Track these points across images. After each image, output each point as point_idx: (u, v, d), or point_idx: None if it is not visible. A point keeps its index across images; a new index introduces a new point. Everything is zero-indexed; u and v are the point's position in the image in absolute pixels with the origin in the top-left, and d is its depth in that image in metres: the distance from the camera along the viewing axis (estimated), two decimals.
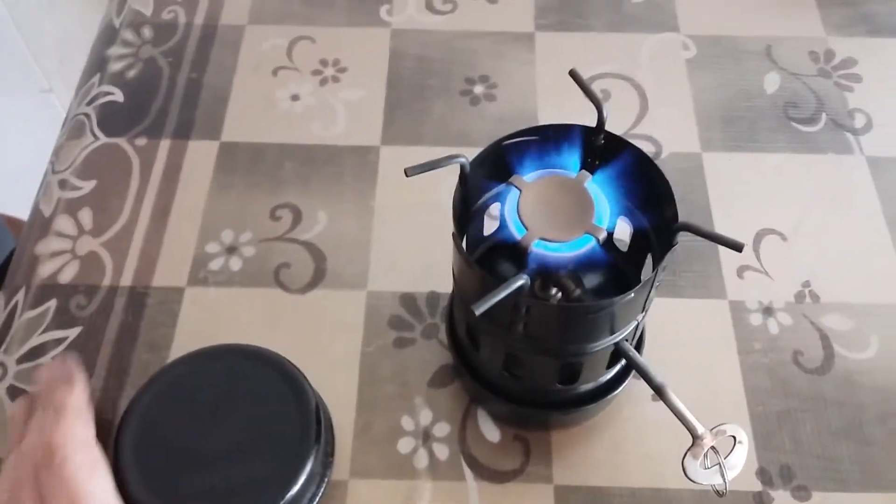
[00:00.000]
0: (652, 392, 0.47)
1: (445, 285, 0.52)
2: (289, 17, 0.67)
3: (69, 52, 1.05)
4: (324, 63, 0.64)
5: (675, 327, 0.51)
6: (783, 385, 0.49)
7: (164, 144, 0.59)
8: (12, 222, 0.95)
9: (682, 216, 0.54)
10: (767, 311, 0.52)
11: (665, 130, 0.60)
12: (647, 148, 0.59)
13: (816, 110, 0.61)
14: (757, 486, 0.46)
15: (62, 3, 1.02)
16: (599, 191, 0.39)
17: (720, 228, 0.55)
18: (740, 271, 0.53)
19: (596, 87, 0.62)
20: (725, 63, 0.64)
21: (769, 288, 0.53)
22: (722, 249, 0.54)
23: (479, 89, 0.62)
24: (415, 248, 0.54)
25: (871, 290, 0.53)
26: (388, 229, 0.55)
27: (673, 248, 0.38)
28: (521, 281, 0.35)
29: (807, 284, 0.53)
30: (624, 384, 0.46)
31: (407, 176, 0.38)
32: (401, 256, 0.54)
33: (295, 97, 0.62)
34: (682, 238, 0.54)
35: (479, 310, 0.34)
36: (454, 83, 0.63)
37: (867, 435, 0.47)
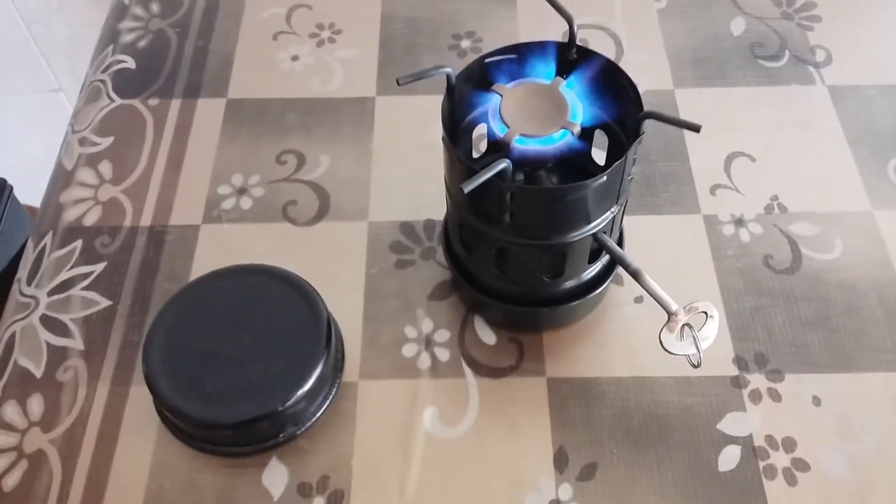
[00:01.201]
0: (634, 296, 0.52)
1: (440, 213, 0.56)
2: None
3: (77, 51, 1.10)
4: (320, 27, 0.69)
5: (653, 241, 0.55)
6: (755, 285, 0.53)
7: (175, 104, 0.64)
8: (32, 213, 0.99)
9: (658, 145, 0.59)
10: (739, 222, 0.56)
11: (640, 72, 0.64)
12: None
13: (780, 48, 0.66)
14: (734, 371, 0.50)
15: (69, 3, 1.07)
16: (573, 94, 0.44)
17: (693, 154, 0.59)
18: (713, 189, 0.58)
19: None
20: (694, 11, 0.69)
21: (740, 202, 0.57)
22: (696, 171, 0.58)
23: (465, 43, 0.67)
24: (411, 183, 0.59)
25: (835, 199, 0.57)
26: (385, 168, 0.60)
27: (640, 137, 0.42)
28: (504, 164, 0.39)
29: (775, 198, 0.57)
30: (606, 283, 0.50)
31: (399, 84, 0.42)
32: (398, 191, 0.58)
33: (295, 58, 0.67)
34: (661, 165, 0.59)
35: (468, 187, 0.38)
36: (442, 39, 0.68)
37: (834, 324, 0.51)
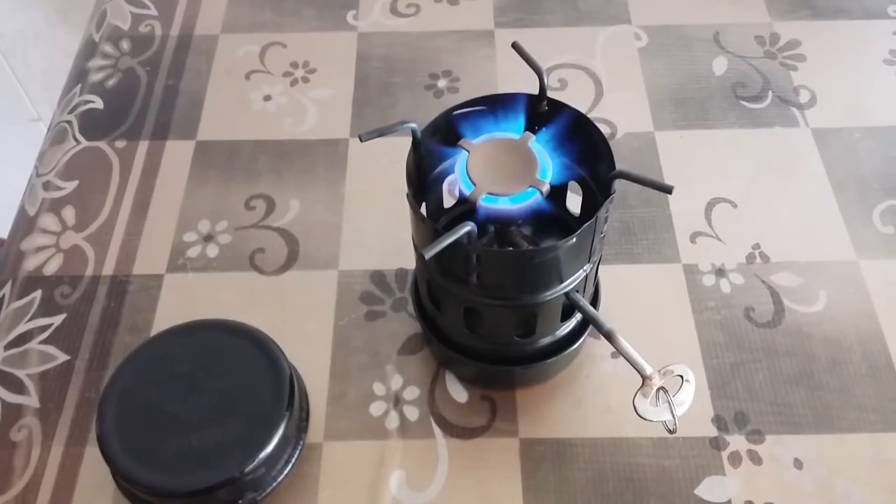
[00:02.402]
0: (610, 351, 0.50)
1: (412, 262, 0.54)
2: (260, 25, 0.70)
3: (55, 81, 1.09)
4: (294, 65, 0.67)
5: (631, 290, 0.54)
6: (736, 339, 0.51)
7: (143, 145, 0.62)
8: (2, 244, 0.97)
9: (637, 190, 0.57)
10: (720, 272, 0.54)
11: (619, 113, 0.63)
12: (603, 129, 0.61)
13: (763, 88, 0.64)
14: (713, 431, 0.48)
15: (46, 33, 1.06)
16: (543, 150, 0.42)
17: (673, 200, 0.58)
18: (693, 237, 0.56)
19: (553, 77, 0.65)
20: (676, 50, 0.67)
21: (721, 251, 0.55)
22: (676, 218, 0.57)
23: (442, 83, 0.66)
24: (383, 230, 0.57)
25: (819, 248, 0.55)
26: (357, 214, 0.58)
27: (611, 196, 0.40)
28: (468, 227, 0.38)
29: (757, 246, 0.55)
30: (581, 340, 0.48)
31: (361, 141, 0.40)
32: (370, 238, 0.57)
33: (267, 97, 0.65)
34: (640, 211, 0.57)
35: (429, 254, 0.36)
36: (419, 79, 0.66)
37: (818, 382, 0.50)
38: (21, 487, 0.47)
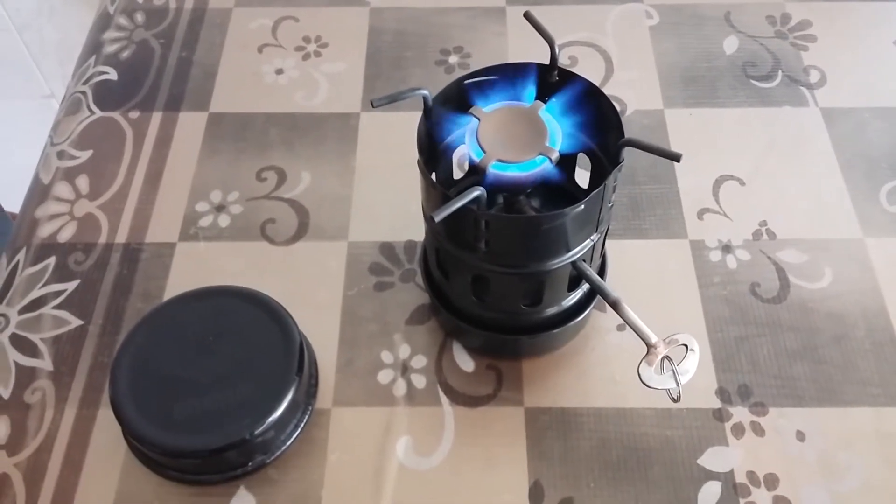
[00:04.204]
0: (616, 324, 0.51)
1: (421, 234, 0.55)
2: None
3: (69, 57, 1.09)
4: (307, 40, 0.68)
5: (638, 265, 0.54)
6: (741, 313, 0.52)
7: (156, 116, 0.63)
8: (14, 218, 0.98)
9: (646, 166, 0.58)
10: (726, 248, 0.55)
11: (629, 91, 0.63)
12: None
13: (773, 68, 0.64)
14: (716, 403, 0.48)
15: (61, 9, 1.06)
16: (553, 119, 0.43)
17: (681, 176, 0.58)
18: (700, 213, 0.56)
19: (564, 55, 0.65)
20: (686, 29, 0.67)
21: (728, 228, 0.56)
22: (684, 194, 0.57)
23: (453, 59, 0.66)
24: (393, 202, 0.57)
25: (826, 226, 0.56)
26: (367, 186, 0.58)
27: (619, 165, 0.41)
28: (477, 192, 0.38)
29: (763, 224, 0.56)
30: (587, 311, 0.49)
31: (373, 106, 0.41)
32: (380, 210, 0.57)
33: (279, 71, 0.65)
34: (648, 187, 0.58)
35: (439, 216, 0.37)
36: (430, 54, 0.66)
37: (821, 356, 0.50)
38: (35, 448, 0.48)
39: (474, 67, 0.64)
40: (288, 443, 0.46)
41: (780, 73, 0.64)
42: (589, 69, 0.64)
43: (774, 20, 0.68)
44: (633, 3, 0.69)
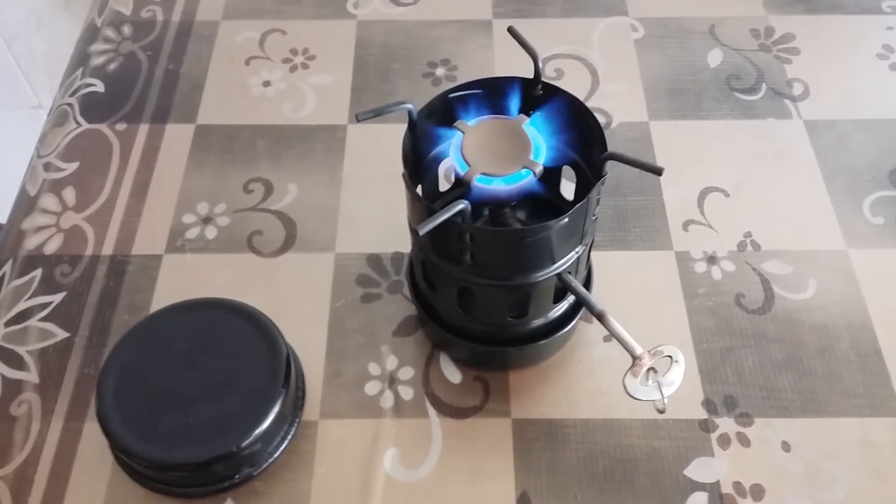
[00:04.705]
0: (603, 335, 0.51)
1: (408, 246, 0.55)
2: (261, 12, 0.71)
3: (57, 69, 1.09)
4: (294, 52, 0.68)
5: (624, 276, 0.54)
6: (726, 324, 0.52)
7: (143, 129, 0.63)
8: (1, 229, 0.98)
9: (631, 178, 0.58)
10: (711, 259, 0.55)
11: (615, 103, 0.64)
12: (598, 119, 0.62)
13: (757, 81, 0.65)
14: (703, 414, 0.49)
15: (49, 20, 1.06)
16: (536, 132, 0.43)
17: (666, 188, 0.59)
18: (685, 225, 0.57)
19: (549, 67, 0.66)
20: (671, 42, 0.68)
21: (713, 239, 0.56)
22: (669, 206, 0.58)
23: (440, 71, 0.66)
24: (380, 214, 0.58)
25: (810, 237, 0.56)
26: (354, 198, 0.59)
27: (602, 178, 0.41)
28: (462, 205, 0.38)
29: (748, 235, 0.56)
30: (573, 322, 0.49)
31: (358, 120, 0.41)
32: (367, 222, 0.57)
33: (266, 83, 0.66)
34: (633, 198, 0.58)
35: (423, 230, 0.37)
36: (417, 67, 0.67)
37: (806, 367, 0.50)
38: (21, 461, 0.47)
39: (461, 80, 0.65)
40: (275, 455, 0.46)
41: (763, 85, 0.65)
42: (575, 82, 0.65)
43: (758, 33, 0.68)
44: (619, 17, 0.70)
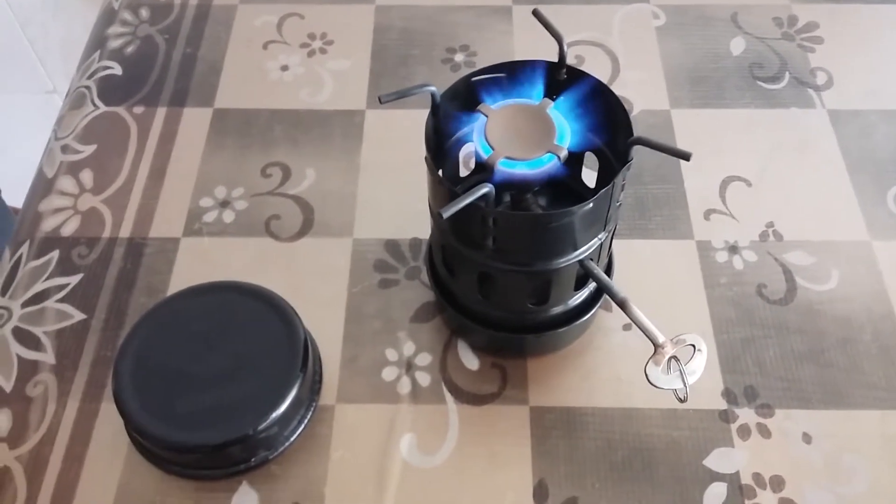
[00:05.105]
0: (622, 323, 0.51)
1: (426, 232, 0.54)
2: None
3: (72, 53, 1.09)
4: (312, 37, 0.67)
5: (644, 265, 0.54)
6: (748, 315, 0.52)
7: (161, 112, 0.63)
8: (16, 213, 0.98)
9: (652, 166, 0.58)
10: (733, 249, 0.54)
11: (635, 91, 0.63)
12: None
13: (780, 69, 0.64)
14: (722, 405, 0.48)
15: (65, 5, 1.06)
16: (561, 116, 0.42)
17: (688, 177, 0.58)
18: (707, 214, 0.56)
19: (570, 54, 0.65)
20: (693, 29, 0.67)
21: (734, 228, 0.55)
22: (690, 195, 0.57)
23: (459, 57, 0.66)
24: (398, 200, 0.57)
25: (833, 228, 0.55)
26: (372, 183, 0.58)
27: (628, 163, 0.40)
28: (486, 189, 0.38)
29: (770, 225, 0.55)
30: (593, 310, 0.48)
31: (381, 102, 0.41)
32: (385, 207, 0.57)
33: (284, 67, 0.65)
34: (654, 187, 0.57)
35: (447, 213, 0.37)
36: (436, 52, 0.66)
37: (828, 359, 0.50)
38: (36, 441, 0.47)
39: (480, 66, 0.64)
40: (291, 439, 0.46)
41: (787, 74, 0.64)
42: (595, 69, 0.64)
43: (781, 21, 0.68)
44: (640, 4, 0.69)
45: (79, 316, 0.52)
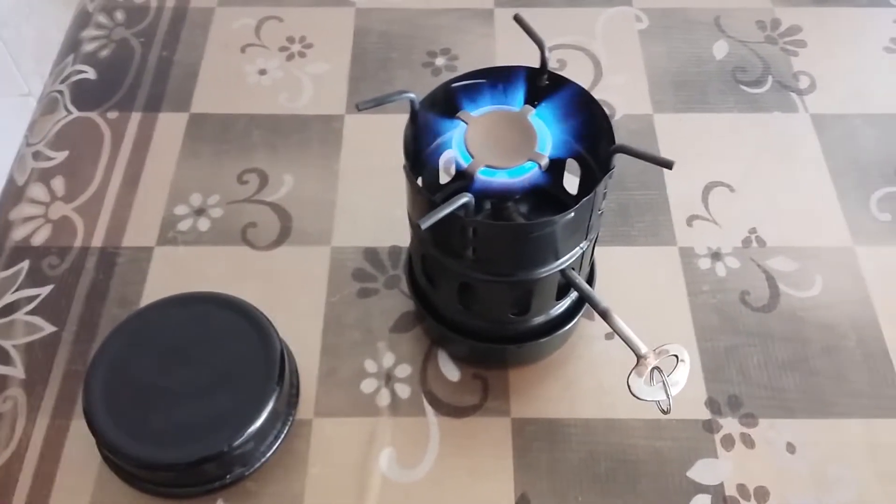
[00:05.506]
0: (605, 332, 0.50)
1: (406, 239, 0.53)
2: None
3: (47, 56, 1.07)
4: (290, 40, 0.66)
5: (626, 273, 0.53)
6: (731, 322, 0.51)
7: (135, 117, 0.61)
8: None
9: (635, 172, 0.57)
10: (716, 255, 0.54)
11: (618, 95, 0.63)
12: None
13: (763, 73, 0.64)
14: (706, 414, 0.47)
15: (40, 7, 1.04)
16: (542, 123, 0.42)
17: (670, 183, 0.57)
18: (689, 220, 0.55)
19: (552, 58, 0.64)
20: (676, 33, 0.67)
21: (717, 235, 0.55)
22: (673, 201, 0.56)
23: (440, 61, 0.65)
24: (377, 207, 0.56)
25: (816, 234, 0.55)
26: (352, 190, 0.57)
27: (610, 172, 0.40)
28: (465, 199, 0.37)
29: (753, 231, 0.55)
30: (575, 320, 0.48)
31: (358, 109, 0.40)
32: (364, 215, 0.56)
33: (262, 72, 0.64)
34: (636, 193, 0.57)
35: (425, 224, 0.36)
36: (416, 56, 0.65)
37: (812, 367, 0.49)
38: (5, 459, 0.46)
39: (461, 70, 0.63)
40: (268, 455, 0.45)
41: (770, 78, 0.64)
42: (577, 73, 0.64)
43: (764, 25, 0.67)
44: (623, 7, 0.69)
45: (49, 328, 0.51)
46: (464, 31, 0.67)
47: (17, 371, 0.49)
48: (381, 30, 0.67)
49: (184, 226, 0.55)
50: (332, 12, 0.68)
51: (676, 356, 0.41)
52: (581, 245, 0.42)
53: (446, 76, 0.63)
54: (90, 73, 0.64)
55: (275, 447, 0.45)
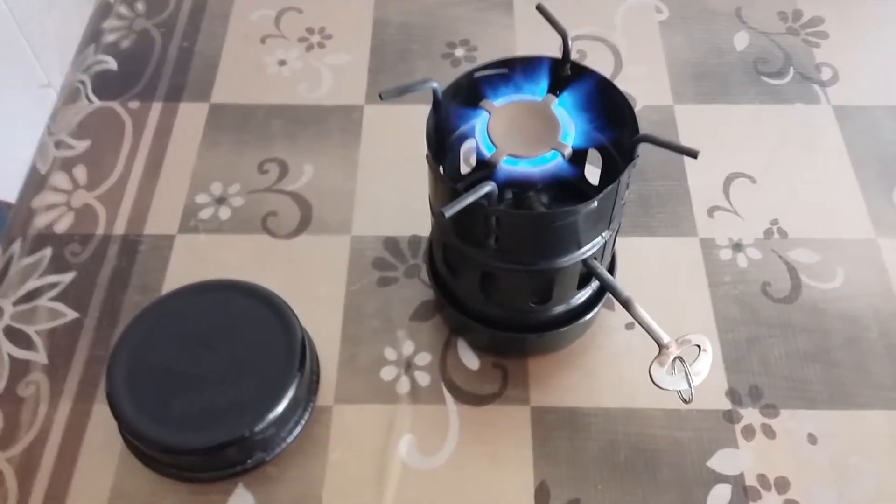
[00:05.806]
0: (625, 322, 0.50)
1: (426, 229, 0.54)
2: None
3: (67, 47, 1.08)
4: (310, 31, 0.66)
5: (647, 263, 0.53)
6: (752, 313, 0.51)
7: (156, 107, 0.62)
8: (9, 208, 0.97)
9: (656, 163, 0.57)
10: (737, 246, 0.54)
11: (638, 86, 0.62)
12: None
13: (785, 65, 0.63)
14: (727, 405, 0.47)
15: (60, 1, 1.05)
16: (565, 113, 0.41)
17: (691, 174, 0.57)
18: (711, 211, 0.55)
19: (572, 49, 0.64)
20: (697, 24, 0.66)
21: (738, 226, 0.55)
22: (694, 192, 0.56)
23: (460, 52, 0.65)
24: (397, 197, 0.56)
25: (838, 225, 0.55)
26: (371, 180, 0.57)
27: (634, 161, 0.39)
28: (489, 187, 0.37)
29: (775, 222, 0.55)
30: (596, 309, 0.48)
31: (381, 98, 0.40)
32: (384, 205, 0.56)
33: (282, 62, 0.64)
34: (657, 184, 0.57)
35: (449, 212, 0.36)
36: (436, 47, 0.65)
37: (833, 358, 0.49)
38: (28, 443, 0.46)
39: (480, 61, 0.63)
40: (288, 440, 0.45)
41: (791, 69, 0.63)
42: (597, 64, 0.63)
43: (786, 16, 0.67)
44: None
45: (71, 315, 0.51)
46: (483, 22, 0.67)
47: (39, 356, 0.49)
48: (401, 21, 0.67)
49: (205, 214, 0.55)
50: (352, 3, 0.68)
51: (699, 346, 0.41)
52: (603, 234, 0.42)
53: (465, 67, 0.63)
54: (111, 64, 0.65)
55: (295, 433, 0.45)
